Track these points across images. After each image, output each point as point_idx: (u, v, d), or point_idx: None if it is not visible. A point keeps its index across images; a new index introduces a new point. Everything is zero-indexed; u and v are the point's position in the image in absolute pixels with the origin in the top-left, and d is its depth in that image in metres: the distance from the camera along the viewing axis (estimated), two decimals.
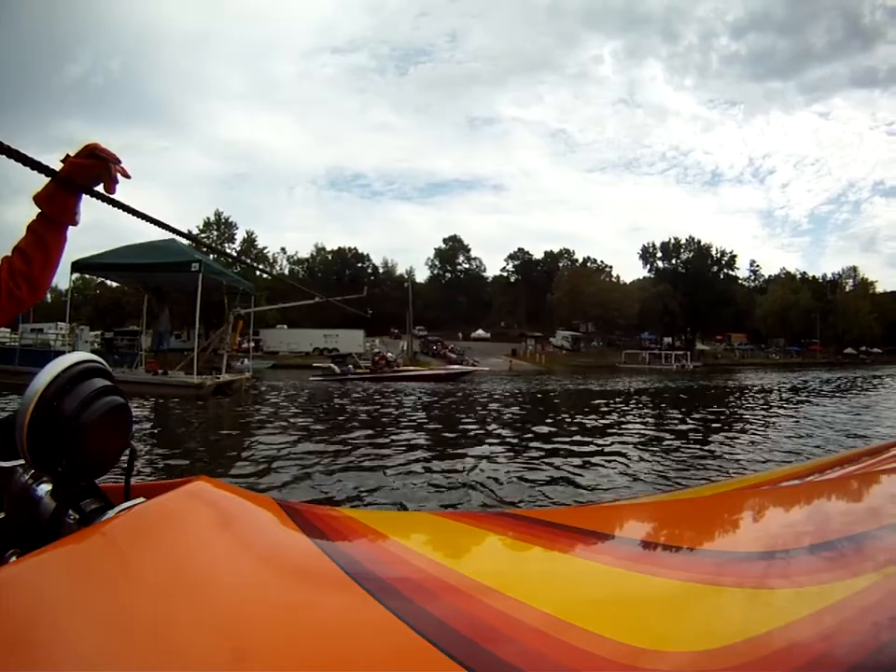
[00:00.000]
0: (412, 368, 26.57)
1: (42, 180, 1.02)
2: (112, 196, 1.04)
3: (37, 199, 1.06)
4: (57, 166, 1.01)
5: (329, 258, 72.28)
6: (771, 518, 0.90)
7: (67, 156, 1.03)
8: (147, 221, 1.12)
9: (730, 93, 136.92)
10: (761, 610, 0.55)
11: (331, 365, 24.45)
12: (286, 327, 50.44)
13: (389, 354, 27.60)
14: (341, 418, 10.08)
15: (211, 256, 17.52)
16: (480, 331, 64.66)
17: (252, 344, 21.31)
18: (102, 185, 1.04)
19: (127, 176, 1.06)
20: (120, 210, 1.05)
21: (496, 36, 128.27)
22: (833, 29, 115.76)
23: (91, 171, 1.03)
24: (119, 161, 1.04)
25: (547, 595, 0.59)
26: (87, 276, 21.52)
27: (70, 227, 1.11)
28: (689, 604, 0.58)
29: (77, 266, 13.24)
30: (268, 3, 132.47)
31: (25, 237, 1.08)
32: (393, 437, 7.57)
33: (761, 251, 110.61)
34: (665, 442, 7.21)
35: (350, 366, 23.78)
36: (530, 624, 0.51)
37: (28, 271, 1.06)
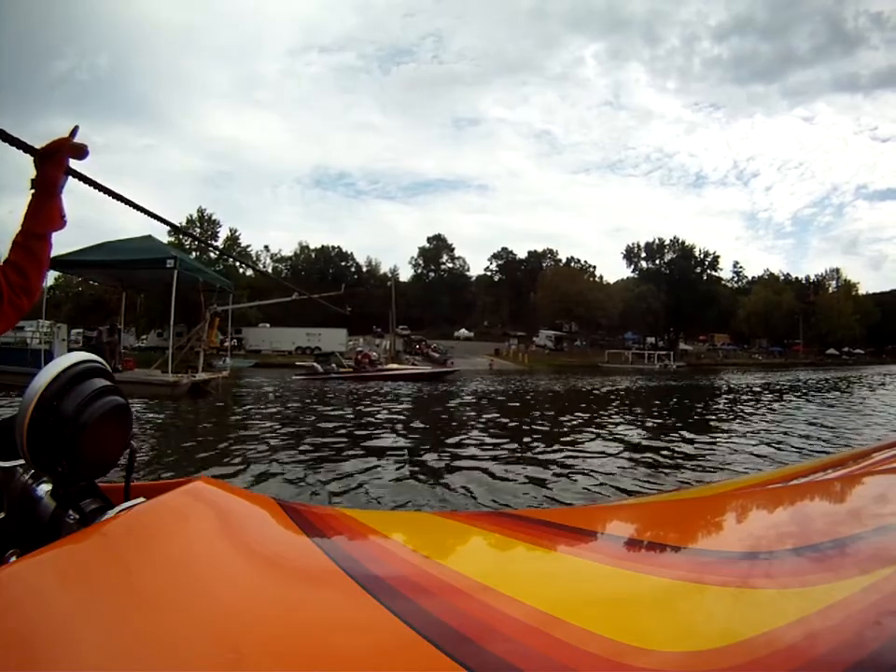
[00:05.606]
0: (395, 367, 26.28)
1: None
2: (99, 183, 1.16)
3: (28, 220, 1.13)
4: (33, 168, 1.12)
5: (313, 256, 71.77)
6: (761, 520, 0.91)
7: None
8: (130, 206, 1.20)
9: (713, 96, 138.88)
10: (751, 611, 0.55)
11: (314, 364, 24.16)
12: (268, 325, 50.07)
13: (373, 353, 27.40)
14: (324, 417, 9.97)
15: (193, 254, 17.31)
16: (463, 330, 64.64)
17: (234, 342, 21.03)
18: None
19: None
20: (105, 193, 1.21)
21: (480, 37, 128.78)
22: (816, 33, 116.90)
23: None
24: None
25: (542, 592, 0.60)
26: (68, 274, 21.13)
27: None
28: (681, 603, 0.59)
29: (54, 263, 13.00)
30: (255, 0, 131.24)
31: (14, 251, 1.13)
32: (378, 436, 7.56)
33: (744, 252, 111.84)
34: (646, 442, 7.27)
35: (333, 365, 23.59)
36: (525, 622, 0.52)
37: (26, 283, 1.13)
